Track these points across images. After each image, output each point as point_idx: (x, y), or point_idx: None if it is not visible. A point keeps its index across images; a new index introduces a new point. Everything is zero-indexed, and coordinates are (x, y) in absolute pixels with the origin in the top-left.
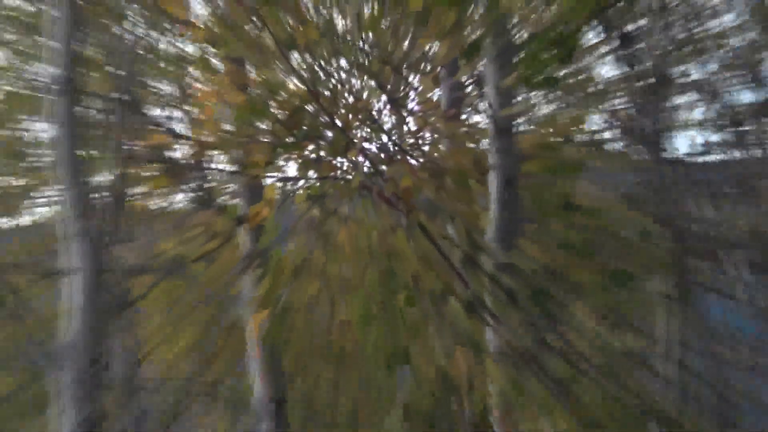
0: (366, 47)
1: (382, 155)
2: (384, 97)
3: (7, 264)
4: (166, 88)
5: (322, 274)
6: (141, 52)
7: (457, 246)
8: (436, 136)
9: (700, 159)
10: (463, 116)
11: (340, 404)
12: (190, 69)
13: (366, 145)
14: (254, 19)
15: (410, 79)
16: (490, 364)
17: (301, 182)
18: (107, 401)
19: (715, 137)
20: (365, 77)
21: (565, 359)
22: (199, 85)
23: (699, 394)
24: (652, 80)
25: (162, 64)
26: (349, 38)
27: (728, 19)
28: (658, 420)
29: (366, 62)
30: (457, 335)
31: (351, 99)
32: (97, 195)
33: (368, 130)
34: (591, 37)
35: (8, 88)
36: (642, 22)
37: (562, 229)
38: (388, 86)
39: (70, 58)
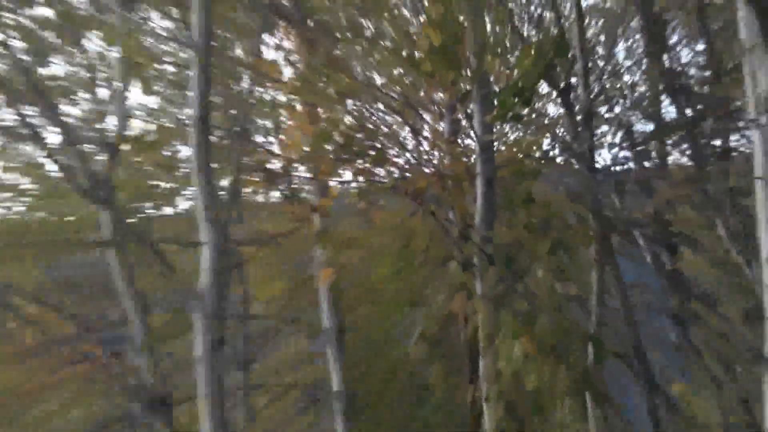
0: (394, 95)
1: (406, 166)
2: (407, 128)
3: (164, 238)
4: (265, 122)
5: (365, 244)
6: (249, 99)
7: (455, 226)
8: (441, 153)
9: (616, 168)
10: (459, 140)
11: (377, 332)
12: (281, 110)
13: (395, 159)
14: (321, 77)
15: (424, 115)
16: (477, 304)
17: (353, 184)
18: (227, 328)
19: (624, 153)
20: (394, 114)
21: (528, 301)
22: (286, 120)
23: (615, 325)
24: (581, 116)
25: (262, 107)
26: (383, 89)
27: (629, 78)
28: (590, 342)
29: (394, 105)
30: (455, 285)
31: (385, 129)
32: (221, 193)
33: (397, 149)
34: (543, 87)
35: (165, 124)
36: (575, 78)
37: (525, 215)
38: (410, 120)
39: (204, 103)
